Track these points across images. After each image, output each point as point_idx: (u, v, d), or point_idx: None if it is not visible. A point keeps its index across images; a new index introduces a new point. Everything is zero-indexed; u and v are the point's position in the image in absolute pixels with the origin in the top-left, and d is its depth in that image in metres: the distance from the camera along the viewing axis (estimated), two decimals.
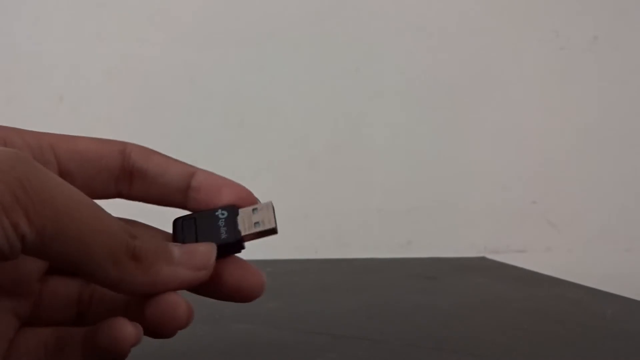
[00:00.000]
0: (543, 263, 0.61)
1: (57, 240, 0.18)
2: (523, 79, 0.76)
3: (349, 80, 0.73)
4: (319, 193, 0.72)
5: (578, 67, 0.77)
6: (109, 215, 0.20)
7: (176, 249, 0.21)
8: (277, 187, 0.70)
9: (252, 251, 0.24)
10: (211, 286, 0.22)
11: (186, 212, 0.24)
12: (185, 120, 0.70)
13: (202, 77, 0.71)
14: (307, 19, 0.73)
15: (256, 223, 0.23)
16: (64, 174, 0.23)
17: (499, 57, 0.76)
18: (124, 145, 0.24)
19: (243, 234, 0.23)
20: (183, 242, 0.23)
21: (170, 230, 0.24)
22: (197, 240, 0.23)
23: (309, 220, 0.71)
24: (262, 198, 0.24)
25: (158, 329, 0.21)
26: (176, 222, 0.24)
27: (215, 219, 0.23)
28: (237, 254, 0.23)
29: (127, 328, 0.21)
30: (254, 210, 0.23)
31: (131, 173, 0.24)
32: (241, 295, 0.23)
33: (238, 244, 0.23)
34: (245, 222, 0.23)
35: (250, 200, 0.24)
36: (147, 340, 0.22)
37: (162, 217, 0.25)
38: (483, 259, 0.68)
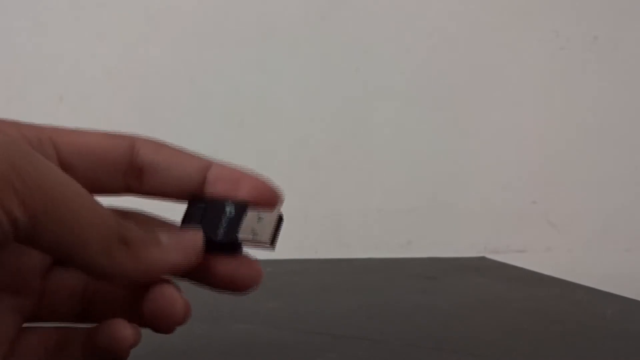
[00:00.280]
0: (543, 263, 0.61)
1: (48, 227, 0.18)
2: (523, 79, 0.76)
3: (349, 80, 0.73)
4: (319, 193, 0.72)
5: (578, 67, 0.77)
6: (99, 203, 0.20)
7: (164, 234, 0.21)
8: None
9: (252, 250, 0.24)
10: (205, 273, 0.22)
11: None
12: (185, 120, 0.70)
13: (202, 77, 0.71)
14: (307, 19, 0.73)
15: (255, 232, 0.22)
16: (65, 167, 0.22)
17: (499, 57, 0.76)
18: (132, 139, 0.24)
19: (240, 239, 0.22)
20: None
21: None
22: None
23: (309, 220, 0.71)
24: None
25: (155, 325, 0.21)
26: (190, 203, 0.23)
27: (221, 214, 0.22)
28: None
29: (126, 330, 0.21)
30: (259, 217, 0.22)
31: (141, 168, 0.23)
32: (235, 285, 0.22)
33: (232, 246, 0.22)
34: (246, 227, 0.22)
35: (269, 195, 0.23)
36: (147, 339, 0.22)
37: (177, 214, 0.24)
38: (483, 259, 0.68)
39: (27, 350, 0.22)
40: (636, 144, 0.78)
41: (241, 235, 0.22)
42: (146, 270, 0.21)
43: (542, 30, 0.77)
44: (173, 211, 0.24)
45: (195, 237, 0.22)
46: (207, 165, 0.23)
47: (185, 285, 0.23)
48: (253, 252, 0.23)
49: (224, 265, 0.22)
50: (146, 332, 0.22)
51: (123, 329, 0.21)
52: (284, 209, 0.23)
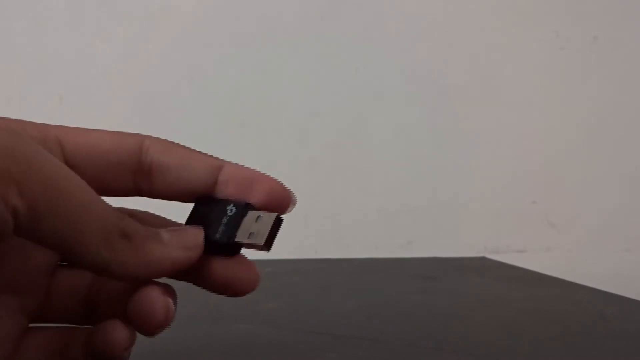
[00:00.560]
0: (543, 263, 0.61)
1: (48, 218, 0.18)
2: (523, 79, 0.76)
3: (349, 80, 0.73)
4: (319, 193, 0.72)
5: (578, 67, 0.77)
6: (99, 196, 0.20)
7: (165, 232, 0.21)
8: None
9: (252, 250, 0.23)
10: (201, 274, 0.22)
11: None
12: (185, 120, 0.70)
13: (202, 77, 0.71)
14: (308, 19, 0.73)
15: (251, 233, 0.22)
16: (71, 167, 0.21)
17: (498, 57, 0.76)
18: (141, 138, 0.23)
19: (237, 239, 0.22)
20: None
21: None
22: None
23: (309, 220, 0.71)
24: None
25: (138, 327, 0.21)
26: (197, 204, 0.23)
27: (222, 214, 0.22)
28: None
29: (119, 332, 0.20)
30: (257, 217, 0.22)
31: (150, 168, 0.23)
32: (230, 288, 0.22)
33: (229, 247, 0.22)
34: (245, 227, 0.22)
35: (282, 196, 0.22)
36: (148, 339, 0.22)
37: (185, 216, 0.24)
38: (483, 259, 0.68)
39: (30, 351, 0.22)
40: (636, 144, 0.78)
41: (239, 236, 0.22)
42: (147, 266, 0.20)
43: (542, 30, 0.77)
44: (183, 212, 0.23)
45: (196, 235, 0.22)
46: (219, 165, 0.23)
47: (185, 285, 0.23)
48: (250, 253, 0.22)
49: (220, 266, 0.22)
50: None
51: (117, 330, 0.20)
52: None
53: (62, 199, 0.18)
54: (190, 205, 0.23)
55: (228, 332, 0.35)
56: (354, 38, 0.73)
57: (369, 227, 0.73)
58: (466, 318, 0.40)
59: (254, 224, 0.22)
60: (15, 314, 0.22)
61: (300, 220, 0.70)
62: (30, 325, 0.23)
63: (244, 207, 0.22)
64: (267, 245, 0.21)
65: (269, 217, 0.22)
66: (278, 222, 0.22)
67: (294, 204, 0.23)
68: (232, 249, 0.22)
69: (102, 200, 0.20)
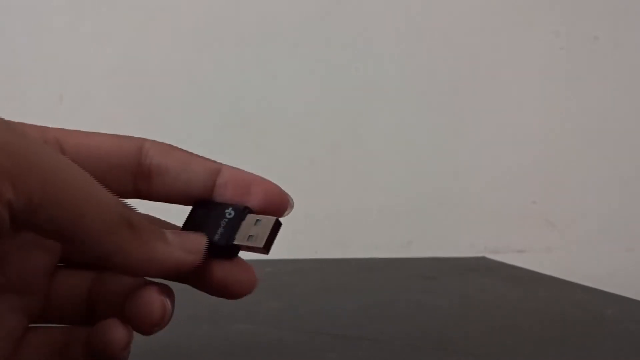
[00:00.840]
0: (543, 263, 0.61)
1: (47, 209, 0.18)
2: (523, 79, 0.76)
3: (348, 80, 0.73)
4: (319, 193, 0.72)
5: (578, 67, 0.77)
6: (102, 186, 0.19)
7: (169, 232, 0.21)
8: None
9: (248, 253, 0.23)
10: (200, 277, 0.22)
11: None
12: (185, 120, 0.70)
13: (202, 77, 0.71)
14: (307, 19, 0.73)
15: (250, 236, 0.22)
16: None
17: (499, 57, 0.76)
18: (141, 141, 0.23)
19: (235, 242, 0.22)
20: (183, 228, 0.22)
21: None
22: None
23: (309, 220, 0.71)
24: None
25: (135, 326, 0.21)
26: (195, 207, 0.23)
27: (221, 217, 0.22)
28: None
29: (117, 331, 0.20)
30: (256, 221, 0.22)
31: (149, 171, 0.23)
32: (229, 291, 0.22)
33: (227, 250, 0.22)
34: (243, 230, 0.22)
35: (279, 199, 0.23)
36: (148, 339, 0.22)
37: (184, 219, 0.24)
38: (483, 259, 0.68)
39: (30, 350, 0.22)
40: (636, 144, 0.78)
41: (237, 239, 0.22)
42: (150, 262, 0.20)
43: (542, 30, 0.77)
44: (182, 215, 0.24)
45: (200, 240, 0.22)
46: (217, 169, 0.23)
47: (185, 285, 0.23)
48: (250, 254, 0.23)
49: (219, 269, 0.22)
50: None
51: (115, 330, 0.20)
52: None
53: (62, 190, 0.18)
54: (188, 209, 0.23)
55: (228, 332, 0.35)
56: (354, 38, 0.73)
57: (369, 227, 0.73)
58: (466, 318, 0.40)
59: (253, 227, 0.22)
60: (16, 314, 0.22)
61: (300, 220, 0.70)
62: (31, 325, 0.23)
63: (243, 211, 0.22)
64: (266, 248, 0.22)
65: (268, 221, 0.22)
66: (277, 226, 0.22)
67: (292, 207, 0.23)
68: (230, 252, 0.22)
69: (105, 190, 0.19)
